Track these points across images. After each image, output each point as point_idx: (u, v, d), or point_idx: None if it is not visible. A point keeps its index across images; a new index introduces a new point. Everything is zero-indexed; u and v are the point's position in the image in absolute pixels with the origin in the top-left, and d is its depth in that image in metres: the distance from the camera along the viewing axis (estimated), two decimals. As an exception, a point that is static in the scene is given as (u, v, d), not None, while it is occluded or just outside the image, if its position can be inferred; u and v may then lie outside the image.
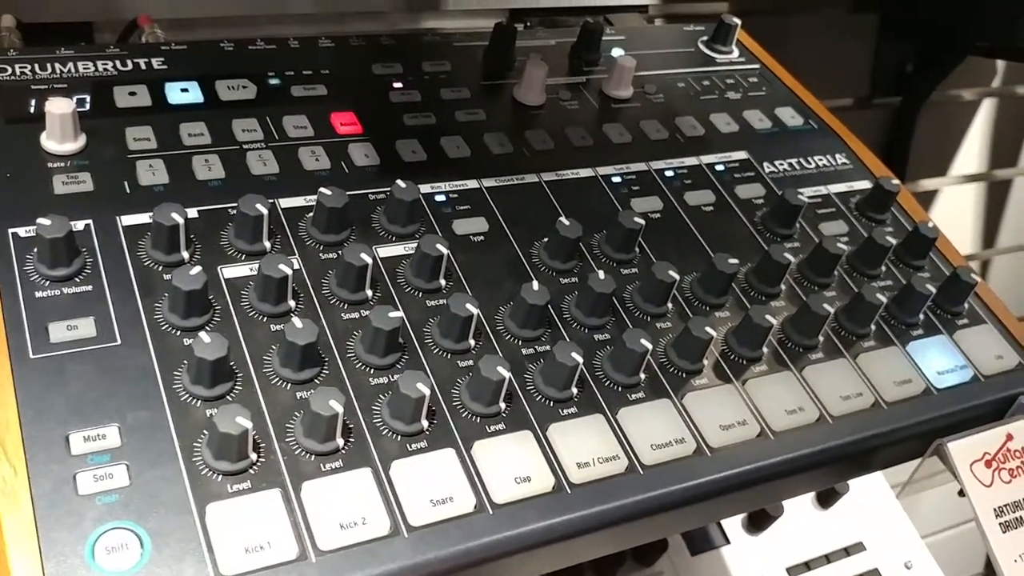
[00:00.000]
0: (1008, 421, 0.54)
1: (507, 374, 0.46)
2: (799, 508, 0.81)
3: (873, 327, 0.57)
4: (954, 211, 1.31)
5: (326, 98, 0.61)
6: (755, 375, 0.53)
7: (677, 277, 0.53)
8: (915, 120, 1.17)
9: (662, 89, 0.71)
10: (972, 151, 1.31)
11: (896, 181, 0.65)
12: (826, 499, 0.81)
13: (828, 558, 0.79)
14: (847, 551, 0.80)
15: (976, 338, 0.60)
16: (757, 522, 0.79)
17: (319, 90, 0.62)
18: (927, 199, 1.29)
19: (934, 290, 0.58)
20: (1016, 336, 0.61)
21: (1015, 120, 1.33)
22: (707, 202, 0.63)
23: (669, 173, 0.64)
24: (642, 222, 0.56)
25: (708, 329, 0.51)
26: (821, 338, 0.56)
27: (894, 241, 0.60)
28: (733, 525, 0.80)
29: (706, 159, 0.66)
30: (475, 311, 0.48)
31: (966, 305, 0.61)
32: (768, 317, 0.53)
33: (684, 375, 0.52)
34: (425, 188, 0.57)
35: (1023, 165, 1.38)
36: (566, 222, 0.54)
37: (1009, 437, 0.54)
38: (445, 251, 0.51)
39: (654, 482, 0.47)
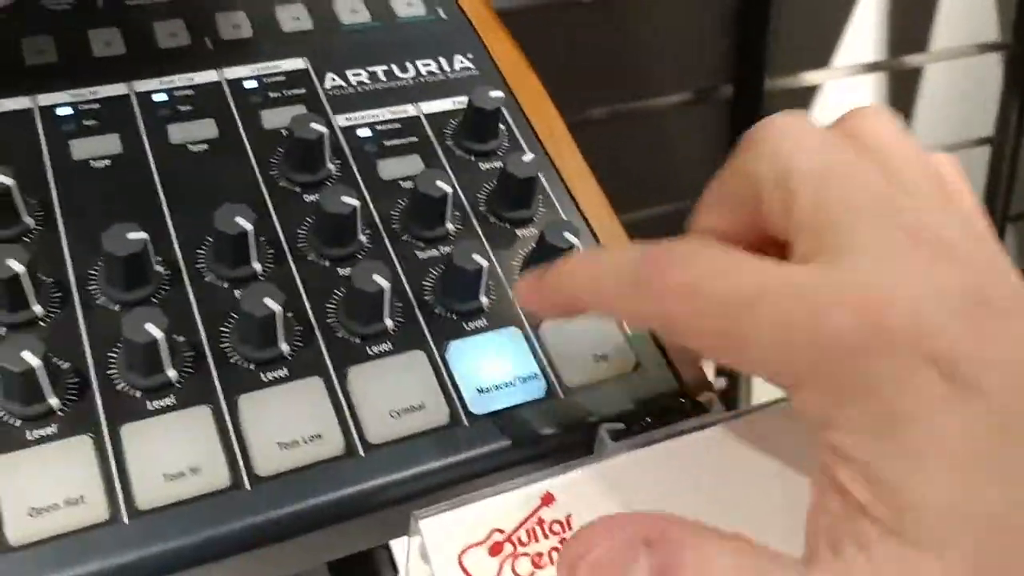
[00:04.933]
0: (547, 474, 0.35)
1: None
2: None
3: (389, 323, 0.38)
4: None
5: None
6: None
7: (19, 270, 0.35)
8: (771, -2, 0.94)
9: (218, -26, 0.50)
10: (867, 35, 1.07)
11: (497, 94, 0.44)
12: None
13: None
14: None
15: (566, 331, 0.40)
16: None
17: None
18: (806, 97, 1.05)
19: (483, 264, 0.38)
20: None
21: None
22: (200, 138, 0.43)
23: (160, 97, 0.44)
24: (7, 182, 0.37)
25: (26, 356, 0.33)
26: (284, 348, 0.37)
27: (447, 189, 0.40)
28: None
29: (234, 72, 0.46)
30: None
31: (567, 279, 0.41)
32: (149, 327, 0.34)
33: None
34: None
35: (938, 48, 1.13)
36: None
37: (546, 500, 0.34)
38: None
39: None
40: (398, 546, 0.58)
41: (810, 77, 1.05)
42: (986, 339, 0.24)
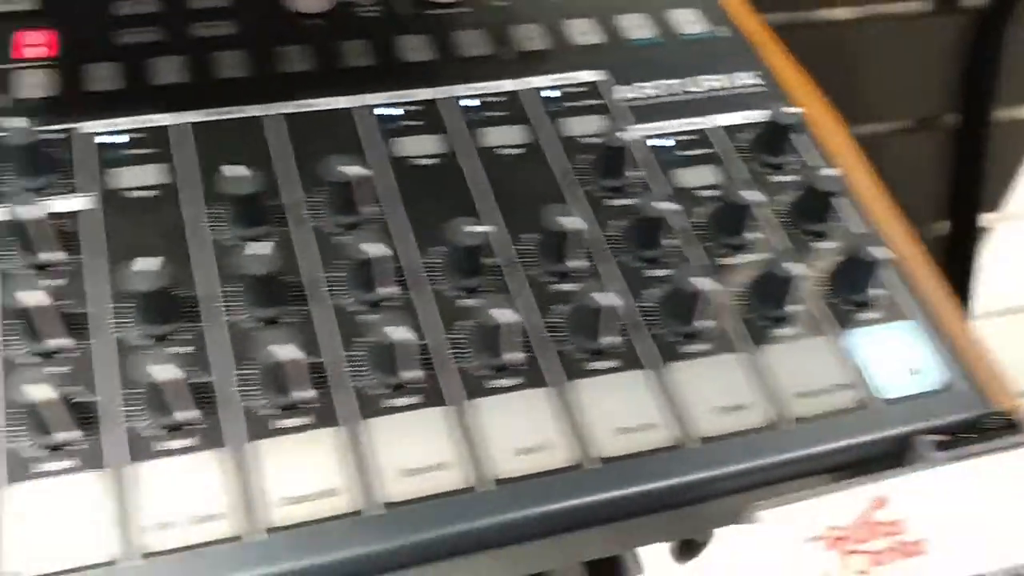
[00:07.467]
0: (879, 477, 0.35)
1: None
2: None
3: (699, 325, 0.39)
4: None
5: (18, 14, 0.48)
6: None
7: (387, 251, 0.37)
8: (1005, 26, 0.91)
9: (513, -13, 0.53)
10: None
11: (796, 110, 0.45)
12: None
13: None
14: None
15: (881, 343, 0.40)
16: (684, 549, 0.62)
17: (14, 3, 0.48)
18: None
19: (796, 272, 0.39)
20: (957, 343, 0.41)
21: None
22: (511, 142, 0.45)
23: (471, 103, 0.46)
24: (360, 172, 0.40)
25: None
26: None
27: (753, 198, 0.41)
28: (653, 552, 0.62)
29: (535, 82, 0.48)
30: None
31: (871, 292, 0.41)
32: (507, 314, 0.36)
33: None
34: (96, 126, 0.43)
35: None
36: (230, 173, 0.39)
37: (879, 503, 0.35)
38: (32, 216, 0.37)
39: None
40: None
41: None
42: None
